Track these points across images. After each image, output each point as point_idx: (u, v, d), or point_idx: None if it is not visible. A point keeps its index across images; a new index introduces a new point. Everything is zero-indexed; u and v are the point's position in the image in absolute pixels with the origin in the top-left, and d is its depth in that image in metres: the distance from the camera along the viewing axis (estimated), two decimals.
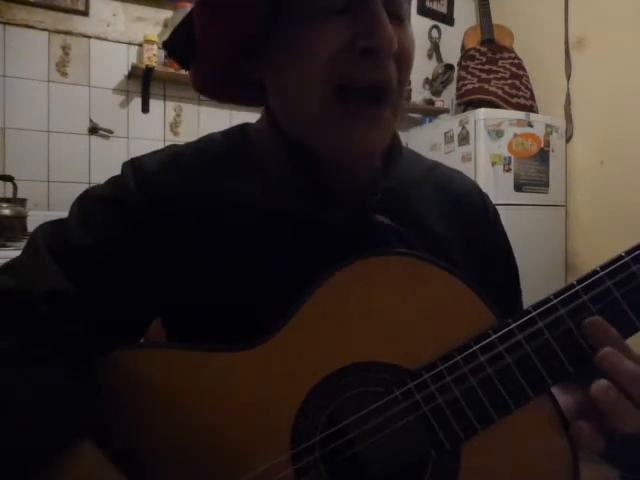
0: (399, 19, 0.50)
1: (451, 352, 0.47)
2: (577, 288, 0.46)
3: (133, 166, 0.56)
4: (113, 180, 0.56)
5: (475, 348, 0.47)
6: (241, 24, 0.50)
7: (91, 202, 0.54)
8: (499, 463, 0.47)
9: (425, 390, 0.47)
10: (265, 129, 0.59)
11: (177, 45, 0.54)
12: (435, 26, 3.11)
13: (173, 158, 0.57)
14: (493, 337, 0.47)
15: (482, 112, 2.43)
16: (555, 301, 0.46)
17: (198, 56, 0.54)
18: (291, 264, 0.52)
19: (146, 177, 0.54)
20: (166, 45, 0.55)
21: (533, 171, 2.49)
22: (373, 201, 0.56)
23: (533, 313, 0.47)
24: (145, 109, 2.35)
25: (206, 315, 0.52)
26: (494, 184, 2.38)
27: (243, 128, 0.62)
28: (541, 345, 0.46)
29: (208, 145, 0.60)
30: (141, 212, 0.53)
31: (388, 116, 0.51)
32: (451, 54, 3.06)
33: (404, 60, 0.51)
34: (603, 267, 0.46)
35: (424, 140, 2.75)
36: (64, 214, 0.55)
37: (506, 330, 0.47)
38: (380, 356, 0.48)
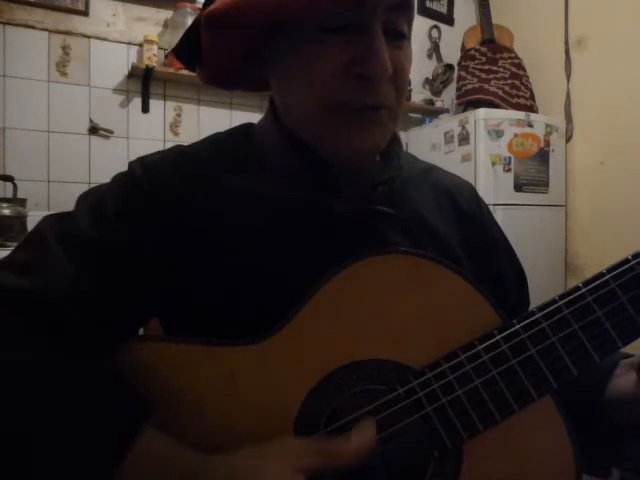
0: (398, 38, 0.52)
1: (455, 351, 0.47)
2: (583, 290, 0.46)
3: (142, 163, 0.56)
4: (121, 176, 0.56)
5: (479, 348, 0.47)
6: (245, 39, 0.53)
7: (100, 198, 0.54)
8: (501, 464, 0.47)
9: (428, 388, 0.47)
10: (269, 124, 0.60)
11: (184, 52, 0.58)
12: (435, 26, 3.11)
13: (180, 157, 0.58)
14: (498, 337, 0.47)
15: (482, 112, 2.42)
16: (560, 303, 0.47)
17: (203, 61, 0.57)
18: (296, 257, 0.53)
19: (154, 174, 0.55)
20: (174, 51, 0.59)
21: (533, 171, 2.49)
22: (375, 193, 0.58)
23: (538, 314, 0.47)
24: (145, 109, 2.35)
25: (211, 309, 0.52)
26: (494, 184, 2.38)
27: (246, 128, 0.63)
28: (546, 346, 0.46)
29: (213, 144, 0.61)
30: (150, 209, 0.53)
31: (384, 117, 0.52)
32: (451, 54, 3.06)
33: (400, 80, 0.52)
34: (609, 270, 0.46)
35: (424, 140, 2.75)
36: None
37: (511, 330, 0.47)
38: (384, 354, 0.48)
